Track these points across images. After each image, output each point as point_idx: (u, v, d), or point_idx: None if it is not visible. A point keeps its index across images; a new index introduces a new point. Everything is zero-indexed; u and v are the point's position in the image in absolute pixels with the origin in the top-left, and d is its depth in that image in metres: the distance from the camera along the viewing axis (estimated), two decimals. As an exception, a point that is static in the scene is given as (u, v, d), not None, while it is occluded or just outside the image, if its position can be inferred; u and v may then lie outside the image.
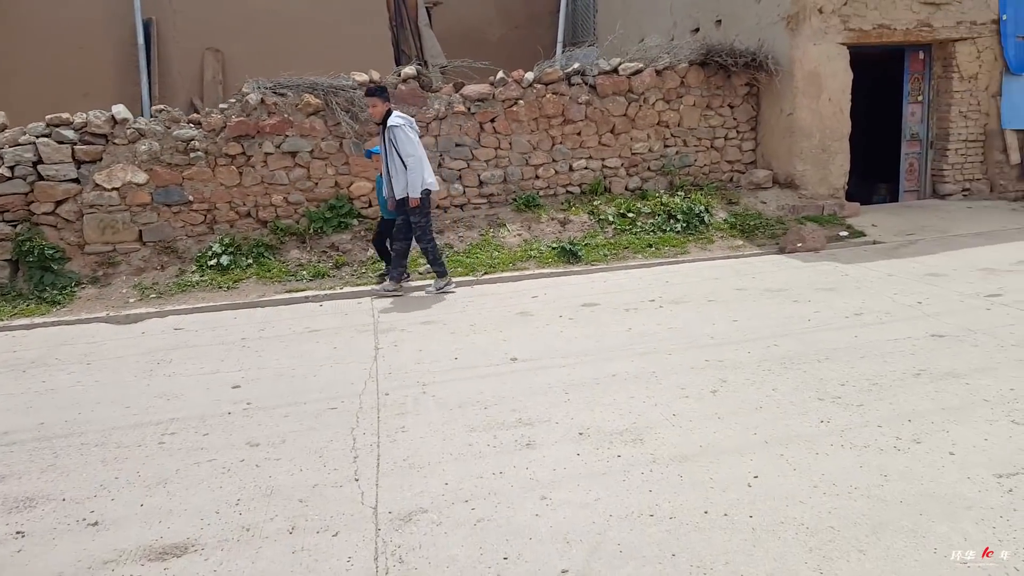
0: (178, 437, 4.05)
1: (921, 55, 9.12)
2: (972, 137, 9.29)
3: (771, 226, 8.07)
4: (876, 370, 4.14)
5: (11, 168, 7.62)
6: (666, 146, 9.08)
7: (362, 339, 5.61)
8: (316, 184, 8.39)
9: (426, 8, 15.48)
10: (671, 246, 7.74)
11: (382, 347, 5.33)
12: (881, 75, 9.63)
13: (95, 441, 4.09)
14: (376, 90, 6.81)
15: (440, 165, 8.63)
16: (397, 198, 6.78)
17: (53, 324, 6.81)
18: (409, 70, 8.65)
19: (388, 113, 6.72)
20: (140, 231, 8.00)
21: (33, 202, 7.71)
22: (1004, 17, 8.78)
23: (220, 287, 7.46)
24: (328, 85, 8.38)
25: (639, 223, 8.16)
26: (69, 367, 5.47)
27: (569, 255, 7.55)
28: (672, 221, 8.12)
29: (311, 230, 8.20)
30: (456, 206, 8.77)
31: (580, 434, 3.60)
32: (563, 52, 13.68)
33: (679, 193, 8.63)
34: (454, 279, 7.20)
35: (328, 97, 8.31)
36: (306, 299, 7.06)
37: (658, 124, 9.01)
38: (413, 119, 7.03)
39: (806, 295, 5.81)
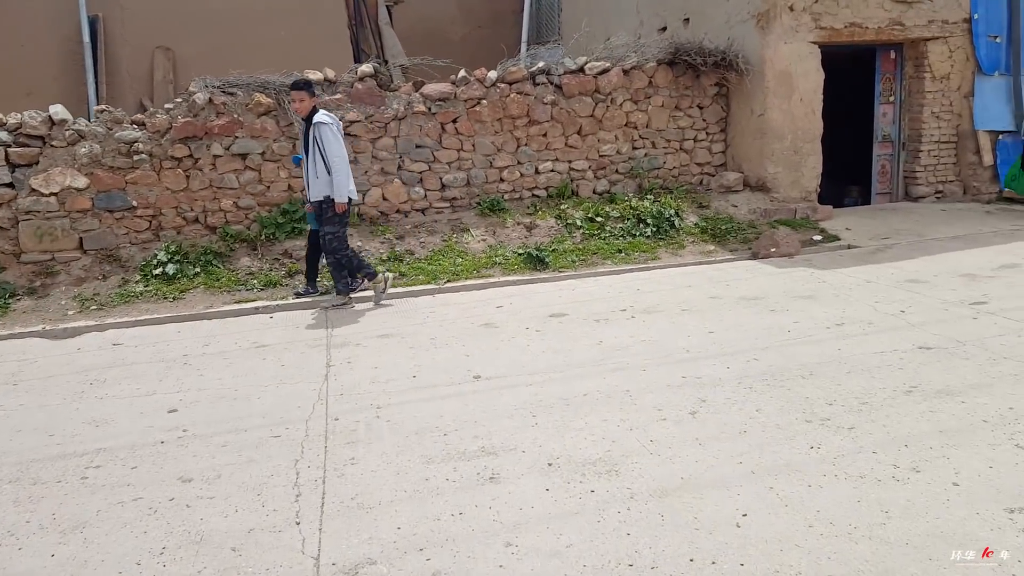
0: (103, 471, 3.63)
1: (892, 55, 8.97)
2: (945, 138, 9.16)
3: (743, 230, 7.83)
4: (864, 387, 3.86)
5: (-63, 172, 7.08)
6: (634, 148, 8.80)
7: (313, 355, 5.21)
8: (268, 188, 7.95)
9: (386, 6, 15.07)
10: (641, 251, 7.45)
11: (334, 364, 4.94)
12: (850, 75, 9.48)
13: (9, 476, 3.66)
14: (302, 83, 6.39)
15: (400, 167, 8.26)
16: (312, 200, 6.47)
17: (-19, 340, 6.30)
18: (366, 68, 8.27)
19: (314, 110, 6.33)
20: (80, 239, 7.50)
21: (-42, 208, 7.18)
22: (976, 16, 8.67)
23: (165, 298, 7.00)
24: (280, 84, 7.95)
25: (608, 228, 7.87)
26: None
27: (536, 261, 7.22)
28: (642, 225, 7.83)
29: (263, 236, 7.76)
30: (417, 210, 8.40)
31: (549, 464, 3.25)
32: (527, 52, 13.38)
33: (648, 196, 8.35)
34: (415, 288, 6.83)
35: (280, 96, 7.88)
36: (256, 311, 6.63)
37: (626, 125, 8.73)
38: (340, 121, 6.66)
39: (783, 304, 5.54)
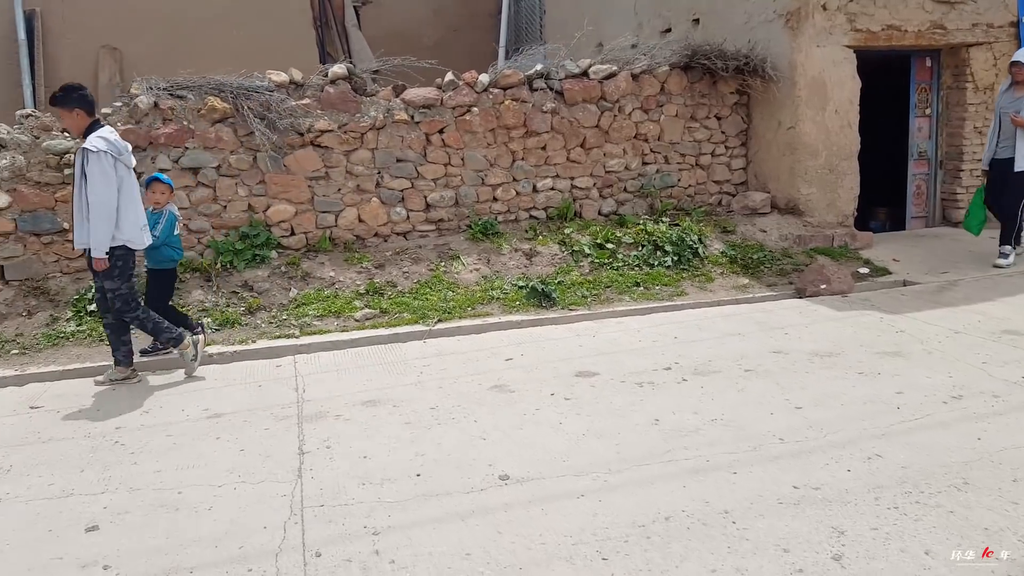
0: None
1: (928, 62, 8.12)
2: (989, 156, 8.33)
3: (777, 260, 6.87)
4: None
5: None
6: (645, 163, 7.81)
7: (281, 432, 4.08)
8: (224, 208, 6.79)
9: (354, 7, 13.97)
10: (663, 284, 6.44)
11: (310, 450, 3.81)
12: (877, 84, 8.63)
13: None
14: (58, 95, 4.81)
15: (378, 184, 7.16)
16: (76, 246, 4.97)
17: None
18: (339, 69, 7.15)
19: (91, 128, 4.82)
20: (2, 267, 6.28)
21: None
22: (1024, 19, 7.86)
23: (102, 339, 5.78)
24: (238, 86, 6.81)
25: (620, 255, 6.84)
26: None
27: (541, 296, 6.16)
28: (660, 253, 6.83)
29: (218, 264, 6.59)
30: (398, 234, 7.29)
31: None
32: (507, 57, 12.38)
33: (663, 219, 7.36)
34: (401, 330, 5.73)
35: (239, 101, 6.73)
36: (210, 358, 5.47)
37: (635, 137, 7.74)
38: (127, 145, 5.05)
39: (869, 364, 4.53)
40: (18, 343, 5.83)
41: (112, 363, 5.18)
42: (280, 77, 7.01)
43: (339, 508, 3.20)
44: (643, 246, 6.90)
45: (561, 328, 5.69)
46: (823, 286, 6.00)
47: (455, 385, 4.61)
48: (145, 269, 5.63)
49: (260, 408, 4.48)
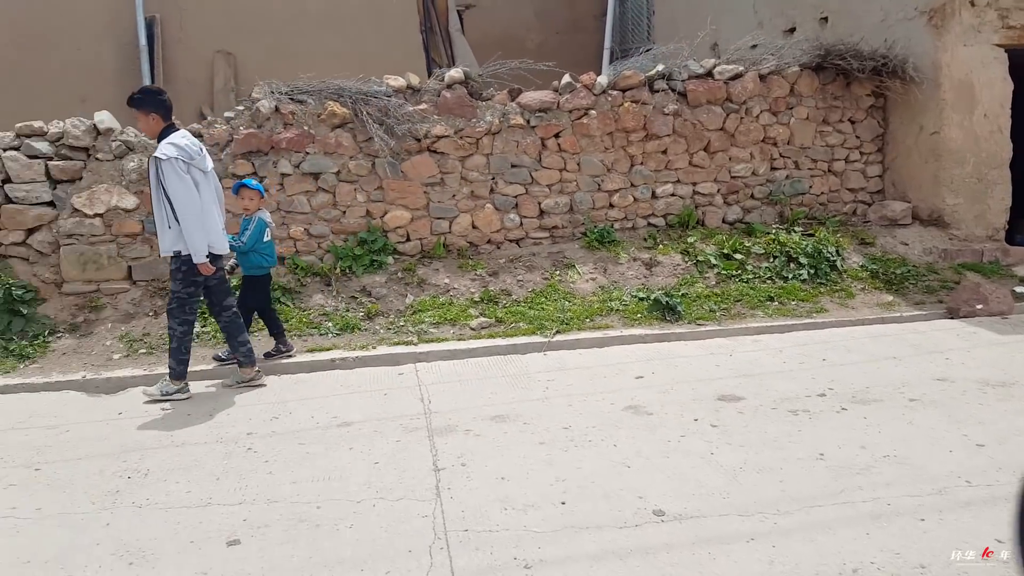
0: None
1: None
2: None
3: (922, 276, 6.38)
4: None
5: (-29, 188, 6.10)
6: (773, 168, 7.42)
7: (413, 446, 3.97)
8: (343, 213, 6.80)
9: (457, 12, 14.00)
10: (799, 299, 6.06)
11: (444, 467, 3.68)
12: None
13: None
14: (136, 97, 4.77)
15: (492, 190, 7.04)
16: (162, 254, 4.90)
17: (16, 388, 5.27)
18: (456, 74, 7.08)
19: (164, 133, 4.77)
20: (129, 267, 6.46)
21: (1, 229, 6.18)
22: None
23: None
24: (357, 91, 6.82)
25: (750, 267, 6.49)
26: (9, 476, 3.86)
27: (665, 309, 5.89)
28: (793, 266, 6.44)
29: (337, 270, 6.61)
30: (511, 241, 7.16)
31: None
32: (612, 60, 12.11)
33: (795, 228, 6.95)
34: (518, 341, 5.57)
35: (358, 106, 6.74)
36: (332, 363, 5.46)
37: (763, 141, 7.37)
38: (201, 149, 4.93)
39: (1049, 394, 4.12)
40: (145, 342, 5.98)
41: (236, 365, 5.23)
42: (398, 82, 6.98)
43: (484, 534, 3.04)
44: (775, 257, 6.53)
45: (691, 345, 5.41)
46: (979, 306, 5.50)
47: (585, 403, 4.41)
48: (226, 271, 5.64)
49: (388, 418, 4.39)
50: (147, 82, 9.88)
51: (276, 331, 5.58)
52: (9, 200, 6.20)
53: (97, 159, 6.36)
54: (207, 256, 4.75)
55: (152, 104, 4.74)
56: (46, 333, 6.09)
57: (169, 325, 4.98)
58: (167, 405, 4.90)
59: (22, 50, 8.99)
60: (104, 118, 6.52)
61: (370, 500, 3.42)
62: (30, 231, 6.27)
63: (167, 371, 5.00)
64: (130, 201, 6.39)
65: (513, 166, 7.04)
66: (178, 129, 4.88)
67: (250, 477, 3.73)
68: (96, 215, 6.28)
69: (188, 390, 5.04)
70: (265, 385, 5.14)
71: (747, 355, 5.11)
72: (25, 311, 6.09)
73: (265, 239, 5.42)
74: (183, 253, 4.77)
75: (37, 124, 6.34)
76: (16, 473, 3.95)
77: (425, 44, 12.57)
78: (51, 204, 6.29)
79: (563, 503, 3.25)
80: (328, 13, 10.31)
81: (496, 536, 3.02)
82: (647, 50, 11.20)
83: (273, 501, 3.47)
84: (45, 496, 3.66)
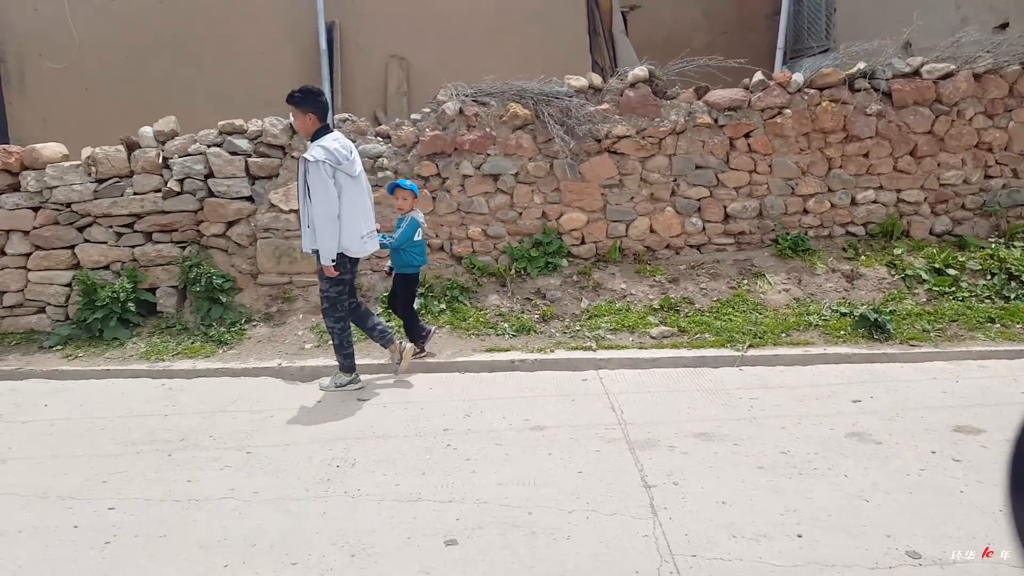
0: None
1: None
2: None
3: None
4: None
5: (180, 181, 6.54)
6: (987, 176, 6.72)
7: (614, 458, 3.80)
8: (520, 215, 6.76)
9: (621, 13, 13.77)
10: (1024, 323, 5.42)
11: (655, 484, 3.48)
12: None
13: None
14: (296, 95, 4.86)
15: (674, 193, 6.77)
16: (304, 250, 5.03)
17: (218, 372, 5.59)
18: (640, 72, 6.87)
19: (318, 134, 4.85)
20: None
21: (202, 222, 6.60)
22: None
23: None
24: (539, 92, 6.75)
25: (964, 284, 5.88)
26: (224, 457, 4.04)
27: (872, 327, 5.41)
28: (1015, 284, 5.77)
29: (512, 271, 6.57)
30: (692, 246, 6.86)
31: None
32: (785, 61, 11.48)
33: (1014, 243, 6.25)
34: (707, 353, 5.28)
35: (539, 107, 6.68)
36: (512, 364, 5.40)
37: (976, 146, 6.68)
38: (352, 150, 4.94)
39: None
40: (332, 333, 6.16)
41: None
42: (579, 82, 6.87)
43: (716, 563, 2.82)
44: (993, 274, 5.88)
45: (907, 367, 4.92)
46: None
47: (800, 427, 4.07)
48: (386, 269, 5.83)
49: (581, 425, 4.25)
50: (327, 86, 10.34)
51: (414, 332, 5.53)
52: (211, 194, 6.59)
53: (293, 156, 6.64)
54: (334, 259, 4.81)
55: (311, 104, 4.83)
56: (243, 321, 6.43)
57: (327, 325, 5.16)
58: (363, 395, 5.00)
59: (217, 54, 9.61)
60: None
61: (581, 511, 3.28)
62: (230, 224, 6.64)
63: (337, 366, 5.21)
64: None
65: (697, 167, 6.75)
66: (331, 131, 4.97)
67: (454, 475, 3.69)
68: (291, 211, 6.55)
69: (359, 380, 5.18)
70: (362, 387, 5.15)
71: (975, 382, 4.58)
72: (224, 299, 6.46)
73: (416, 238, 5.47)
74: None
75: (238, 122, 6.71)
76: (229, 455, 4.12)
77: (589, 46, 12.45)
78: (249, 199, 6.64)
79: (799, 535, 2.97)
80: (499, 17, 10.38)
81: (730, 566, 2.79)
82: (824, 50, 10.52)
83: (482, 502, 3.40)
84: (260, 480, 3.78)
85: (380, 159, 6.68)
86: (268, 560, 3.02)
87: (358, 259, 5.05)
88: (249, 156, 6.65)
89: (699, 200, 6.78)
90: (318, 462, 3.96)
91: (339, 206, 4.75)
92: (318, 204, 4.69)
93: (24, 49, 9.37)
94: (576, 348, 5.61)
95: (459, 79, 7.08)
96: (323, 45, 10.34)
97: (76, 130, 8.23)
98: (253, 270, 6.68)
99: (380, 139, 6.82)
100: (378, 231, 5.25)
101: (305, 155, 4.76)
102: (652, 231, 6.79)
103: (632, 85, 6.83)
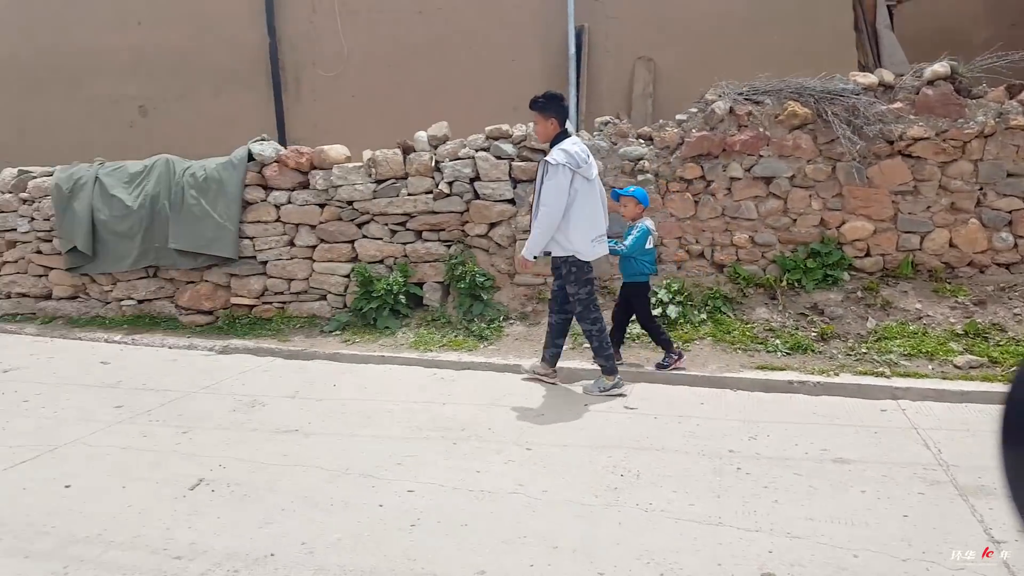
0: None
1: None
2: None
3: None
4: None
5: (449, 184, 6.82)
6: None
7: (943, 504, 3.31)
8: (794, 221, 6.28)
9: (887, 7, 12.56)
10: None
11: (1003, 539, 2.95)
12: None
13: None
14: (539, 100, 4.88)
15: (979, 203, 5.95)
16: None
17: (482, 366, 5.75)
18: (940, 68, 6.11)
19: (558, 139, 4.90)
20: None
21: (467, 222, 6.84)
22: None
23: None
24: (821, 90, 6.23)
25: None
26: (506, 451, 4.05)
27: None
28: None
29: (783, 282, 6.12)
30: (1001, 265, 5.98)
31: None
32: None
33: None
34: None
35: (821, 105, 6.17)
36: (790, 386, 4.98)
37: None
38: (589, 157, 4.91)
39: None
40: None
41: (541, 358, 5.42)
42: (867, 79, 6.26)
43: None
44: None
45: None
46: None
47: None
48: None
49: (893, 463, 3.77)
50: (572, 90, 10.40)
51: (662, 340, 5.40)
52: (477, 196, 6.79)
53: (555, 159, 6.66)
54: (536, 256, 4.94)
55: (553, 109, 4.89)
56: (500, 318, 6.56)
57: (584, 329, 5.15)
58: (630, 403, 4.86)
59: (469, 61, 9.99)
60: (564, 120, 6.84)
61: (918, 560, 2.87)
62: (492, 225, 6.81)
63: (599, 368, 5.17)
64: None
65: (1010, 175, 5.89)
66: (570, 135, 5.00)
67: (754, 502, 3.41)
68: (550, 212, 6.57)
69: (622, 384, 5.09)
70: (625, 395, 5.00)
71: None
72: (484, 297, 6.64)
73: (647, 246, 5.32)
74: (567, 256, 4.93)
75: (504, 127, 6.86)
76: (511, 449, 4.14)
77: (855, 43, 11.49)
78: (511, 202, 6.76)
79: None
80: (754, 14, 9.84)
81: None
82: None
83: (795, 536, 3.09)
84: (545, 479, 3.74)
85: (641, 161, 6.53)
86: (573, 565, 2.94)
87: (589, 263, 5.03)
88: (513, 160, 6.78)
89: (1010, 213, 5.91)
90: (600, 468, 3.85)
91: (572, 209, 4.80)
92: (547, 205, 4.78)
93: (300, 59, 10.36)
94: (865, 373, 5.07)
95: (709, 80, 6.76)
96: (571, 50, 10.40)
97: (341, 134, 8.93)
98: (511, 270, 6.81)
99: (642, 141, 6.66)
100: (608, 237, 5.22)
101: (547, 157, 4.86)
102: (952, 245, 6.01)
103: (930, 83, 6.11)
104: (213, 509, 3.55)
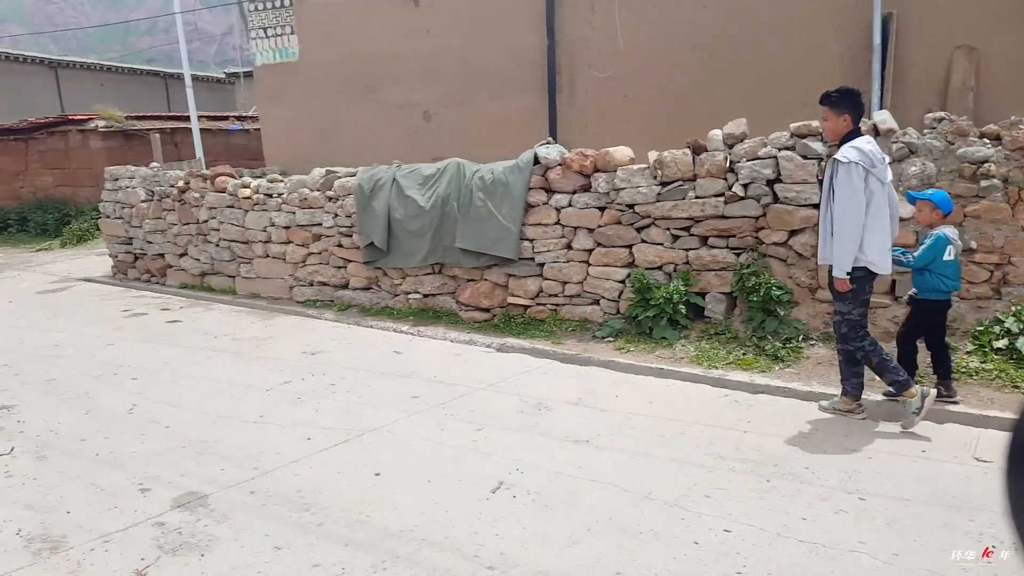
0: None
1: None
2: None
3: None
4: None
5: (744, 186, 6.25)
6: None
7: None
8: None
9: None
10: None
11: None
12: None
13: None
14: (831, 95, 4.44)
15: None
16: (819, 262, 4.76)
17: (778, 391, 5.19)
18: None
19: (848, 136, 4.40)
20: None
21: (762, 229, 6.23)
22: None
23: (1016, 386, 4.79)
24: None
25: None
26: (834, 498, 3.48)
27: None
28: None
29: None
30: None
31: None
32: None
33: None
34: None
35: None
36: None
37: None
38: (884, 157, 4.43)
39: None
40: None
41: (839, 391, 4.74)
42: None
43: None
44: None
45: None
46: None
47: None
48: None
49: None
50: (876, 84, 9.26)
51: (942, 370, 4.68)
52: (776, 200, 6.15)
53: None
54: (852, 272, 4.36)
55: (848, 106, 4.46)
56: (799, 338, 5.89)
57: (854, 349, 4.51)
58: (980, 454, 4.01)
59: (752, 55, 9.26)
60: (884, 117, 6.00)
61: None
62: (792, 233, 6.13)
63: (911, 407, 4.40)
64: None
65: None
66: (862, 134, 4.51)
67: None
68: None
69: (929, 392, 4.40)
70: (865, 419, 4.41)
71: None
72: (780, 312, 6.00)
73: (946, 257, 4.60)
74: (855, 267, 4.38)
75: (813, 123, 6.13)
76: (839, 498, 3.56)
77: None
78: (817, 206, 6.03)
79: None
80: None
81: None
82: None
83: None
84: (892, 541, 3.12)
85: (986, 164, 5.50)
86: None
87: (876, 276, 4.49)
88: (821, 160, 6.06)
89: None
90: (961, 535, 3.14)
91: (866, 213, 4.32)
92: (842, 208, 4.31)
93: (576, 61, 10.28)
94: None
95: None
96: (876, 39, 9.28)
97: (611, 135, 8.66)
98: (812, 284, 6.10)
99: (987, 141, 5.62)
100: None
101: (836, 156, 4.40)
102: None
103: None
104: (516, 517, 3.41)
